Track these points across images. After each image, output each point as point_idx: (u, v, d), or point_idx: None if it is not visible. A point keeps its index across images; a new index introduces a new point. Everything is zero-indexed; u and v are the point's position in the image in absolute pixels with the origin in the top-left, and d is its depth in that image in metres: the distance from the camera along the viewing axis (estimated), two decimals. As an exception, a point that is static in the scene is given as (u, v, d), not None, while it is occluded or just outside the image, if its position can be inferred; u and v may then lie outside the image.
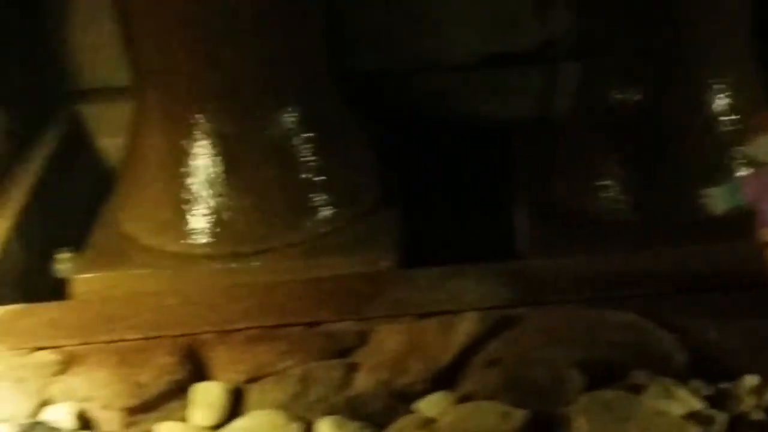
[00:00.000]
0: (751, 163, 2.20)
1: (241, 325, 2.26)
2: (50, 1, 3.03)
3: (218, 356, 2.20)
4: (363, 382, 2.12)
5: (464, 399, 2.07)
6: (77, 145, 3.06)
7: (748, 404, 2.02)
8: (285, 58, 2.59)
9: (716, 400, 2.03)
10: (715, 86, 2.55)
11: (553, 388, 2.04)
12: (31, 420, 2.13)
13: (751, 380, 2.05)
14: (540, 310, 2.22)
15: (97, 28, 3.01)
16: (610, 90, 2.58)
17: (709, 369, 2.08)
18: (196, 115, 2.57)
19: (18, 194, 2.78)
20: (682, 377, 2.06)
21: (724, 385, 2.05)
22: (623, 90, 2.57)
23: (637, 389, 2.03)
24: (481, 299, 2.26)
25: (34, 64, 3.03)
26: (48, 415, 2.13)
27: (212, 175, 2.59)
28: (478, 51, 3.08)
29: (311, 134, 2.63)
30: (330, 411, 2.09)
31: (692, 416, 1.99)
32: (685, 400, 2.02)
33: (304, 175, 2.62)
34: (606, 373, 2.06)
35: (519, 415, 2.00)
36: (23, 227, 2.70)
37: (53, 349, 2.25)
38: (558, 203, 2.64)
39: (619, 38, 2.58)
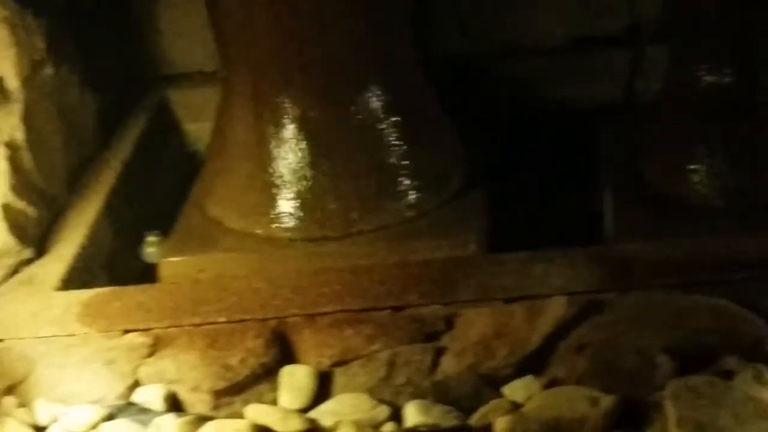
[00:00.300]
0: None
1: (328, 309, 2.27)
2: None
3: (305, 340, 2.21)
4: (449, 366, 2.12)
5: (551, 384, 2.07)
6: (164, 129, 3.09)
7: (844, 391, 2.00)
8: (372, 41, 2.60)
9: (809, 387, 2.01)
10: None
11: (642, 373, 2.03)
12: (122, 401, 2.16)
13: None
14: (628, 295, 2.20)
15: (184, 14, 3.05)
16: (700, 73, 2.55)
17: (802, 355, 2.06)
18: (284, 99, 2.58)
19: (106, 177, 2.82)
20: (775, 363, 2.04)
21: (817, 371, 2.03)
22: (714, 73, 2.54)
23: (728, 375, 2.01)
24: (569, 284, 2.24)
25: (123, 49, 3.07)
26: (137, 396, 2.16)
27: (299, 159, 2.60)
28: (564, 34, 3.07)
29: (398, 118, 2.63)
30: (417, 395, 2.09)
31: (785, 403, 1.98)
32: (777, 387, 2.01)
33: (391, 160, 2.63)
34: (696, 359, 2.04)
35: (607, 400, 1.99)
36: (111, 210, 2.74)
37: (142, 332, 2.28)
38: (646, 187, 2.63)
39: (710, 19, 2.55)
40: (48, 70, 2.72)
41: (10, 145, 2.54)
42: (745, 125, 2.54)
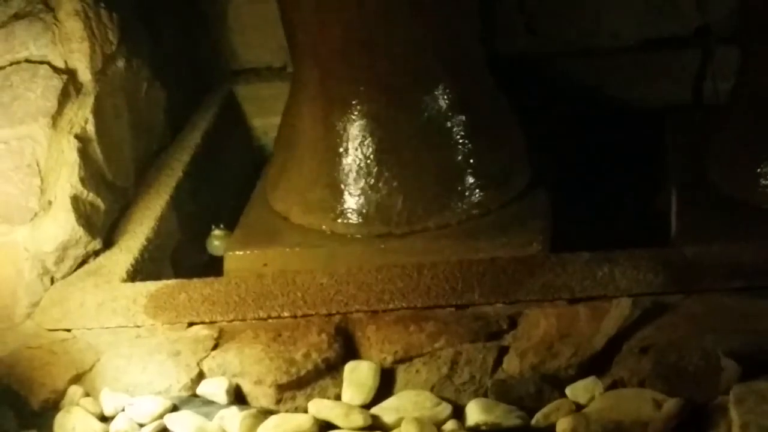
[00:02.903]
0: None
1: (391, 306, 2.28)
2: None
3: (369, 336, 2.21)
4: (512, 365, 2.12)
5: (614, 385, 2.06)
6: (232, 123, 3.10)
7: None
8: (439, 40, 2.59)
9: None
10: None
11: (706, 376, 2.02)
12: (186, 393, 2.18)
13: None
14: (693, 298, 2.19)
15: (254, 9, 3.06)
16: (770, 75, 2.54)
17: None
18: (351, 96, 2.59)
19: (174, 170, 2.84)
20: (841, 369, 2.02)
21: None
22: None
23: (794, 381, 1.99)
24: (633, 285, 2.24)
25: (193, 44, 3.09)
26: (201, 389, 2.18)
27: (365, 156, 2.60)
28: (632, 35, 3.05)
29: (463, 117, 2.62)
30: (479, 393, 2.10)
31: None
32: (843, 393, 1.99)
33: (456, 158, 2.62)
34: (761, 363, 2.02)
35: (671, 403, 1.98)
36: (178, 203, 2.76)
37: (207, 325, 2.30)
38: (713, 189, 2.61)
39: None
40: (119, 64, 2.73)
41: (81, 138, 2.56)
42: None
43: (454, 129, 2.62)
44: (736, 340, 2.06)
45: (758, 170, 2.54)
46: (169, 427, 2.13)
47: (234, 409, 2.13)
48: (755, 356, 2.04)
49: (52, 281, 2.45)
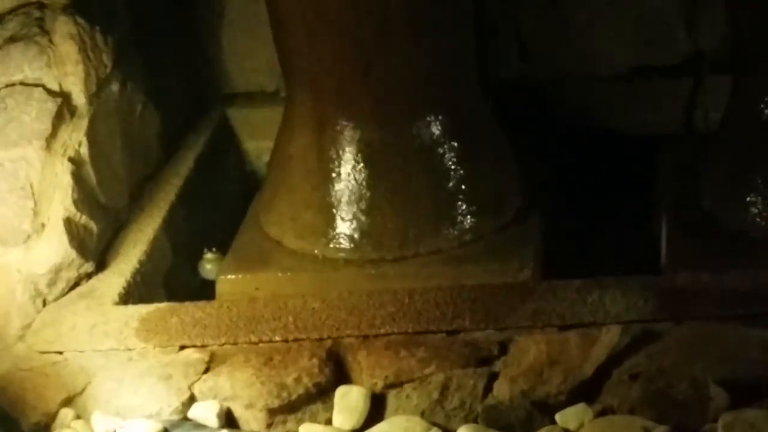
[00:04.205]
0: None
1: (383, 331, 2.28)
2: (204, 9, 3.09)
3: (360, 360, 2.22)
4: (502, 391, 2.12)
5: (604, 412, 2.07)
6: (224, 147, 3.11)
7: None
8: (432, 66, 2.60)
9: None
10: None
11: (695, 404, 2.03)
12: (177, 417, 2.18)
13: None
14: (683, 325, 2.20)
15: (247, 34, 3.06)
16: (762, 105, 2.54)
17: None
18: (344, 121, 2.60)
19: (166, 194, 2.84)
20: (828, 398, 2.03)
21: None
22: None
23: (782, 409, 2.01)
24: (623, 312, 2.24)
25: (186, 68, 3.10)
26: (193, 412, 2.18)
27: (357, 181, 2.61)
28: (624, 62, 3.06)
29: (457, 143, 2.63)
30: (469, 419, 2.11)
31: (838, 438, 1.97)
32: (830, 422, 2.00)
33: (449, 183, 2.63)
34: (750, 392, 2.04)
35: (660, 430, 1.99)
36: (171, 227, 2.76)
37: (199, 348, 2.30)
38: (704, 216, 2.61)
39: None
40: (114, 87, 2.74)
41: (75, 160, 2.56)
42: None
43: (447, 155, 2.63)
44: (725, 369, 2.08)
45: (749, 198, 2.55)
46: (160, 450, 2.14)
47: (224, 432, 2.14)
48: (744, 385, 2.05)
49: (45, 303, 2.45)
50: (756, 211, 2.54)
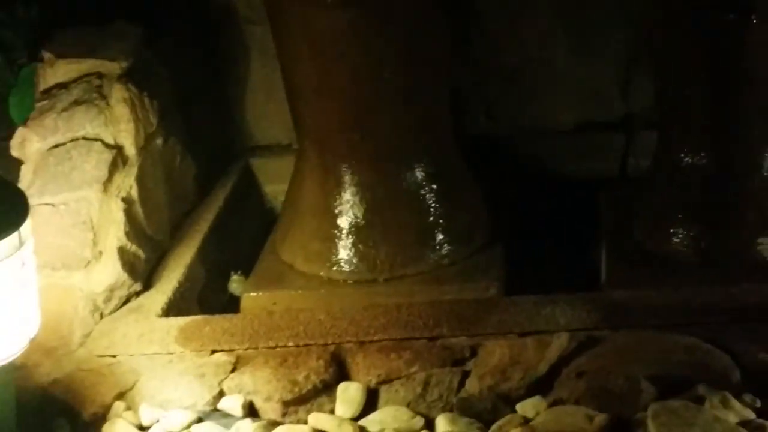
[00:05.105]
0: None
1: (376, 337, 2.27)
2: (231, 77, 3.08)
3: (357, 362, 2.21)
4: (473, 386, 2.12)
5: (555, 403, 2.07)
6: (248, 189, 3.10)
7: (792, 416, 1.99)
8: (417, 124, 2.60)
9: (765, 412, 2.00)
10: (768, 154, 2.52)
11: (629, 396, 2.03)
12: (209, 408, 2.18)
13: (795, 396, 2.02)
14: (619, 333, 2.20)
15: (266, 97, 3.05)
16: (681, 155, 2.55)
17: (760, 385, 2.05)
18: (344, 168, 2.60)
19: (201, 227, 2.82)
20: (737, 391, 2.03)
21: (772, 400, 2.02)
22: (693, 155, 2.53)
23: (700, 400, 2.01)
24: (571, 322, 2.24)
25: (217, 125, 3.09)
26: (222, 404, 2.18)
27: (355, 217, 2.61)
28: (571, 120, 3.06)
29: (436, 186, 2.63)
30: (446, 409, 2.10)
31: (745, 424, 1.97)
32: (739, 411, 1.99)
33: (429, 219, 2.62)
34: (673, 386, 2.05)
35: (600, 418, 1.99)
36: (204, 254, 2.74)
37: (227, 352, 2.29)
38: (635, 246, 2.61)
39: (692, 111, 2.55)
40: (158, 141, 2.74)
41: (126, 200, 2.56)
42: (718, 197, 2.53)
43: (428, 195, 2.63)
44: (654, 368, 2.08)
45: (671, 230, 2.56)
46: (194, 435, 2.13)
47: (248, 421, 2.13)
48: (668, 380, 2.06)
49: (101, 316, 2.44)
50: (677, 240, 2.55)
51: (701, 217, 2.55)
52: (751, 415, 1.99)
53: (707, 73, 2.46)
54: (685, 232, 2.55)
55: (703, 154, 2.52)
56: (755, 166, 2.51)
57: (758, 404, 2.01)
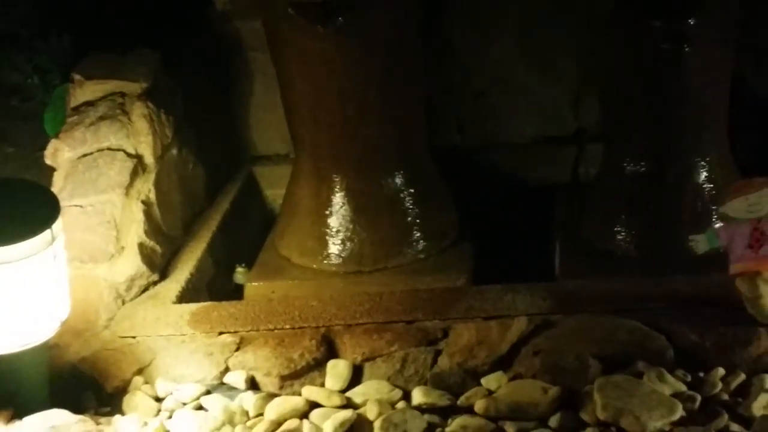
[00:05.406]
0: (724, 218, 2.18)
1: (361, 321, 2.27)
2: (236, 95, 3.07)
3: (345, 342, 2.21)
4: (444, 363, 2.13)
5: (515, 377, 2.08)
6: (251, 193, 3.08)
7: (717, 389, 2.00)
8: (396, 137, 2.61)
9: (695, 385, 2.01)
10: (701, 163, 2.52)
11: (579, 372, 2.04)
12: (216, 382, 2.18)
13: (720, 371, 2.04)
14: (570, 317, 2.21)
15: (267, 113, 3.03)
16: (624, 163, 2.56)
17: (690, 362, 2.06)
18: (334, 176, 2.60)
19: (210, 225, 2.80)
20: (671, 367, 2.04)
21: (701, 375, 2.04)
22: (634, 164, 2.55)
23: (639, 375, 2.02)
24: (529, 308, 2.25)
25: (224, 137, 3.07)
26: (227, 378, 2.18)
27: (343, 217, 2.61)
28: (531, 134, 3.05)
29: (413, 190, 2.64)
30: (421, 383, 2.11)
31: (678, 395, 1.98)
32: (673, 384, 2.01)
33: (408, 219, 2.63)
34: (617, 363, 2.05)
35: (554, 390, 2.01)
36: (213, 248, 2.73)
37: (232, 334, 2.29)
38: (585, 243, 2.62)
39: (630, 128, 2.56)
40: (173, 151, 2.73)
41: (146, 202, 2.56)
42: (654, 201, 2.54)
43: (406, 199, 2.63)
44: (599, 347, 2.09)
45: (616, 229, 2.57)
46: (204, 405, 2.13)
47: (250, 393, 2.14)
48: (612, 358, 2.06)
49: (123, 302, 2.43)
50: (621, 238, 2.56)
51: (641, 217, 2.56)
52: (682, 387, 2.00)
53: (646, 94, 2.48)
54: (627, 231, 2.56)
55: (642, 164, 2.54)
56: (687, 173, 2.52)
57: (689, 378, 2.03)
